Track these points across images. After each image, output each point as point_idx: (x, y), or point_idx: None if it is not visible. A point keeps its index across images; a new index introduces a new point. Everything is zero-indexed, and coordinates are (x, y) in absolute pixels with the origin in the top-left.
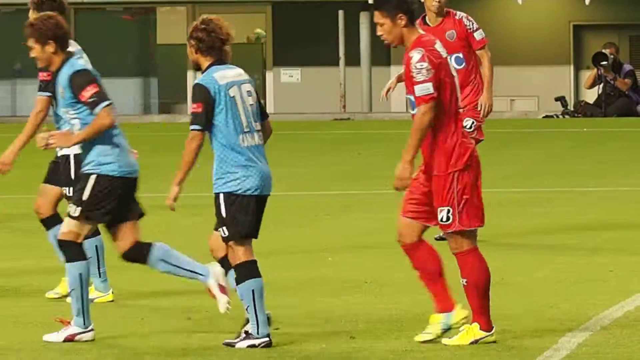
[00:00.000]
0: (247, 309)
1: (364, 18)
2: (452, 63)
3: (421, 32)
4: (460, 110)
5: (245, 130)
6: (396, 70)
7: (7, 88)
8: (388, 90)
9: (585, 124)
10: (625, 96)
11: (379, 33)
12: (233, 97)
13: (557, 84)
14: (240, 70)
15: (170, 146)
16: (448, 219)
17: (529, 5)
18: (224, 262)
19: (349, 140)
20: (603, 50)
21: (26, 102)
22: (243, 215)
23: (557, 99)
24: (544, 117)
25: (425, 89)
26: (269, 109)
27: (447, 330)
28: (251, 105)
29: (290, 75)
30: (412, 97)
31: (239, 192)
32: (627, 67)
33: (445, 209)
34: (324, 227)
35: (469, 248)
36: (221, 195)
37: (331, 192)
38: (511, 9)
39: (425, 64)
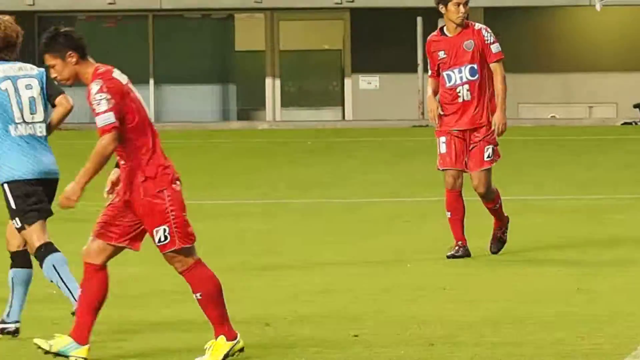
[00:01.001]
0: (58, 286)
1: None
2: (466, 74)
3: (95, 64)
4: (474, 132)
5: (17, 121)
6: None
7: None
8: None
9: None
10: None
11: (53, 75)
12: (5, 89)
13: (635, 91)
14: (23, 65)
15: (248, 152)
16: (166, 238)
17: (607, 12)
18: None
19: (428, 146)
20: None
21: None
22: (25, 201)
23: (635, 106)
24: (622, 124)
25: (106, 119)
26: (348, 115)
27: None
28: (29, 97)
29: (369, 82)
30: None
31: (18, 178)
32: None
33: (162, 228)
34: (402, 234)
35: (194, 262)
36: (5, 186)
37: (410, 199)
38: (589, 15)
39: (104, 95)
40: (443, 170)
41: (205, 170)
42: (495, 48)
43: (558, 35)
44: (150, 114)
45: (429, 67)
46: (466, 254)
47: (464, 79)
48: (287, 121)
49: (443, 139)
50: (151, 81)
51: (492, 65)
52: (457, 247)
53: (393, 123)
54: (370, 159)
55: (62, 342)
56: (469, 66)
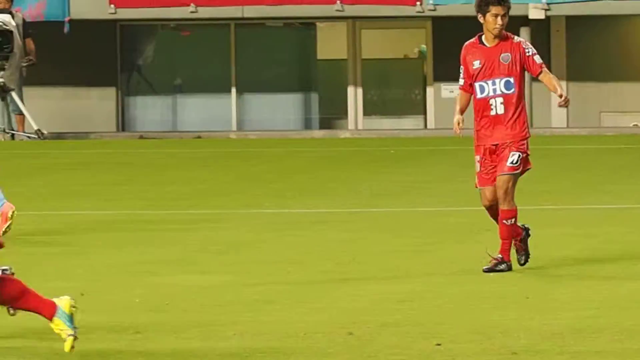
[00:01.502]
0: None
1: (524, 33)
2: (501, 87)
3: None
4: (508, 142)
5: None
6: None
7: (168, 103)
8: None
9: None
10: None
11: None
12: None
13: None
14: None
15: (331, 160)
16: None
17: None
18: None
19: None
20: None
21: (188, 116)
22: None
23: None
24: None
25: None
26: (429, 124)
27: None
28: None
29: (451, 90)
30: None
31: None
32: None
33: None
34: (484, 242)
35: None
36: None
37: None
38: None
39: None
40: (480, 188)
41: (288, 179)
42: (538, 59)
43: None
44: (232, 122)
45: (460, 75)
46: (508, 267)
47: (498, 92)
48: (369, 130)
49: (477, 157)
50: (233, 90)
51: (541, 77)
52: (494, 261)
53: (471, 132)
54: (452, 167)
55: None
56: (505, 79)
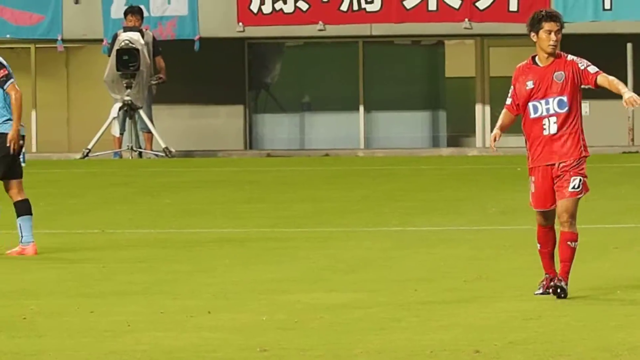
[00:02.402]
0: None
1: (629, 49)
2: (554, 106)
3: None
4: (561, 163)
5: None
6: None
7: (295, 121)
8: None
9: None
10: None
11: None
12: None
13: None
14: None
15: (458, 178)
16: None
17: None
18: None
19: (638, 173)
20: None
21: (315, 134)
22: None
23: None
24: None
25: None
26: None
27: None
28: None
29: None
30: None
31: None
32: None
33: None
34: (612, 260)
35: None
36: None
37: (620, 225)
38: None
39: None
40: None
41: (415, 197)
42: (592, 69)
43: None
44: (360, 140)
45: (508, 95)
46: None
47: (551, 111)
48: (497, 147)
49: (532, 178)
50: (361, 108)
51: (598, 80)
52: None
53: (602, 149)
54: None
55: None
56: (558, 98)
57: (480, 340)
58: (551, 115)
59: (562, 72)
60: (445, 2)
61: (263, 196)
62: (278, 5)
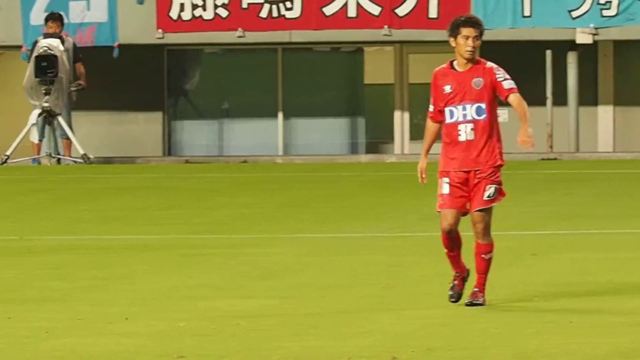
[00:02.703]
0: None
1: (571, 58)
2: (472, 112)
3: None
4: (477, 171)
5: None
6: (603, 109)
7: (214, 128)
8: None
9: None
10: None
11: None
12: None
13: None
14: None
15: (377, 185)
16: None
17: None
18: None
19: (556, 179)
20: None
21: (234, 141)
22: None
23: None
24: None
25: None
26: None
27: None
28: None
29: (498, 115)
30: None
31: None
32: None
33: None
34: (530, 267)
35: None
36: None
37: (538, 232)
38: None
39: None
40: (441, 211)
41: (333, 204)
42: (508, 84)
43: None
44: (279, 147)
45: (430, 102)
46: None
47: (468, 117)
48: (416, 154)
49: (446, 179)
50: (280, 114)
51: (510, 98)
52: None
53: (521, 156)
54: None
55: None
56: (476, 105)
57: (398, 346)
58: (468, 122)
59: (481, 79)
60: (364, 9)
61: (181, 203)
62: (197, 12)
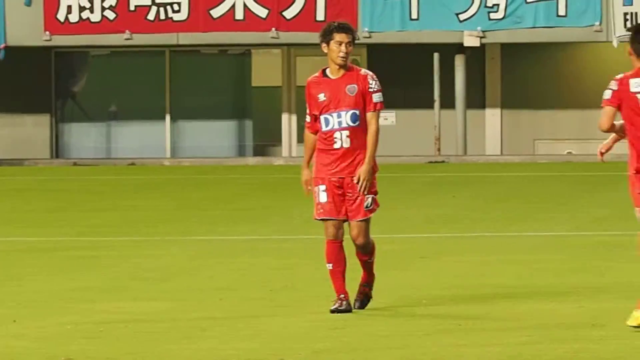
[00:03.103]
0: None
1: (459, 60)
2: (347, 119)
3: None
4: (353, 178)
5: None
6: (491, 112)
7: (102, 130)
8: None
9: None
10: None
11: None
12: None
13: None
14: None
15: (265, 187)
16: None
17: (624, 49)
18: None
19: (444, 182)
20: None
21: (122, 144)
22: None
23: None
24: None
25: None
26: None
27: None
28: None
29: (385, 118)
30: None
31: None
32: None
33: None
34: (417, 270)
35: None
36: None
37: (426, 235)
38: (607, 52)
39: None
40: (321, 220)
41: (221, 206)
42: (377, 97)
43: (575, 71)
44: (167, 149)
45: (307, 112)
46: (348, 308)
47: (344, 124)
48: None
49: (322, 187)
50: (167, 117)
51: (369, 115)
52: (339, 301)
53: (409, 159)
54: (386, 194)
55: None
56: (351, 111)
57: (286, 349)
58: (343, 129)
59: (355, 85)
60: (252, 11)
61: (69, 205)
62: (85, 14)
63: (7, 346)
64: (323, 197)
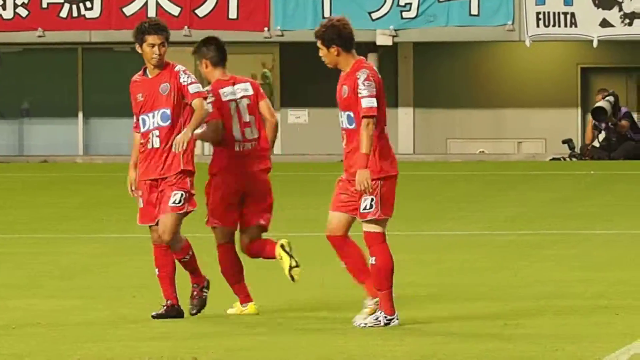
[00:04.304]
0: None
1: (371, 59)
2: (158, 119)
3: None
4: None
5: None
6: (403, 111)
7: (14, 128)
8: None
9: (592, 167)
10: (629, 139)
11: None
12: None
13: (564, 127)
14: None
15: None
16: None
17: (537, 48)
18: None
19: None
20: (599, 104)
21: (34, 141)
22: None
23: (564, 142)
24: (551, 159)
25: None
26: (277, 149)
27: None
28: None
29: (298, 116)
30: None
31: None
32: (624, 109)
33: None
34: (335, 270)
35: None
36: None
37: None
38: (519, 51)
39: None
40: (143, 225)
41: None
42: (193, 88)
43: (488, 71)
44: (79, 146)
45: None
46: (179, 314)
47: (156, 125)
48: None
49: (140, 192)
50: (80, 114)
51: (194, 103)
52: (166, 307)
53: (321, 157)
54: (299, 193)
55: None
56: (162, 111)
57: (198, 347)
58: (155, 129)
59: (168, 84)
60: (164, 9)
61: None
62: None
63: None
64: (140, 203)
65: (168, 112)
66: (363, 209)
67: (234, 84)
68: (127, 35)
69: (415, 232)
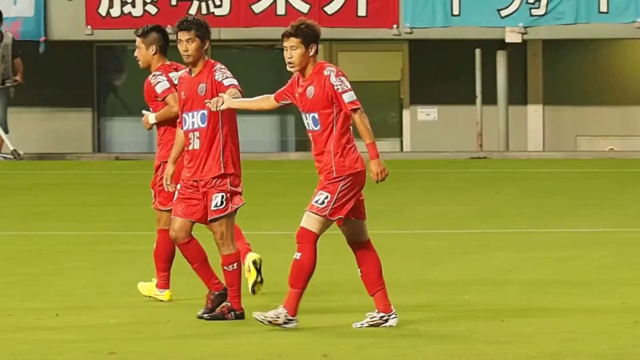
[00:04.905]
0: None
1: (500, 56)
2: (197, 120)
3: None
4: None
5: None
6: (533, 109)
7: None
8: None
9: None
10: None
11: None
12: None
13: None
14: None
15: (306, 183)
16: None
17: None
18: None
19: (486, 178)
20: None
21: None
22: None
23: None
24: None
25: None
26: (405, 147)
27: None
28: None
29: (427, 113)
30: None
31: None
32: None
33: None
34: (460, 265)
35: None
36: None
37: (468, 231)
38: None
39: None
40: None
41: (263, 200)
42: (228, 82)
43: (617, 68)
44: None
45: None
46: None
47: (196, 125)
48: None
49: (178, 186)
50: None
51: (228, 91)
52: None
53: (451, 155)
54: (428, 190)
55: None
56: (201, 112)
57: (330, 344)
58: (195, 130)
59: (205, 84)
60: (293, 7)
61: (111, 199)
62: (127, 9)
63: (49, 340)
64: (176, 196)
65: (206, 113)
66: (315, 201)
67: (176, 70)
68: (256, 32)
69: (544, 229)
